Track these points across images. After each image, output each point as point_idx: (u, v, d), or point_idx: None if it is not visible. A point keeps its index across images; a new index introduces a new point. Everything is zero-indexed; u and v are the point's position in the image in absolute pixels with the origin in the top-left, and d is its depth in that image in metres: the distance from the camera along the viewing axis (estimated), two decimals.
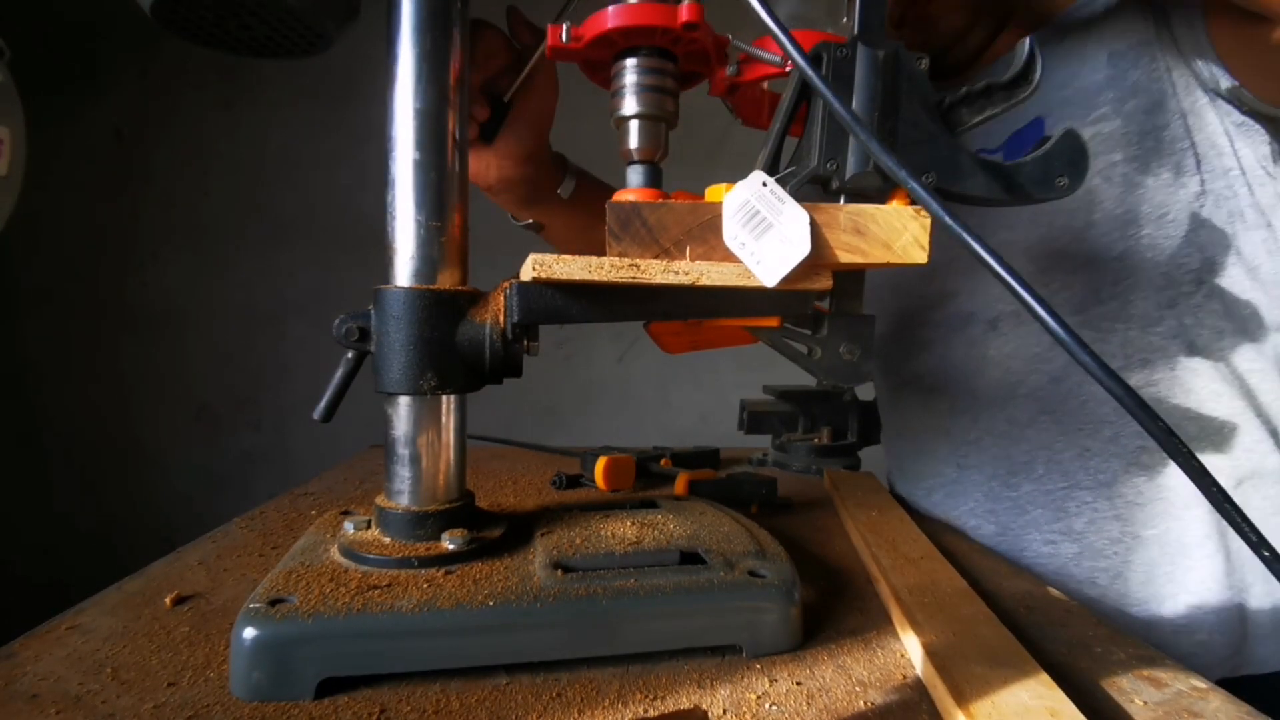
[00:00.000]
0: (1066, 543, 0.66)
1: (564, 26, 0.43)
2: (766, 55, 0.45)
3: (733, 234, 0.37)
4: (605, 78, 0.46)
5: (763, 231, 0.37)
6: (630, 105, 0.43)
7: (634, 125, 0.44)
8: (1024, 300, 0.31)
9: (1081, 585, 0.64)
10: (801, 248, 0.36)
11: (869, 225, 0.39)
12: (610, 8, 0.41)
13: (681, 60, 0.44)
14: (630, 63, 0.43)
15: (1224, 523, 0.59)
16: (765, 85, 0.48)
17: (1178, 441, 0.30)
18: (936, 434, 0.76)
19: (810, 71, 0.35)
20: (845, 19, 0.41)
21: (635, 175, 0.44)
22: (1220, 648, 0.60)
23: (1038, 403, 0.66)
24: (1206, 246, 0.60)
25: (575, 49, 0.43)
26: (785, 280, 0.37)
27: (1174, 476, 0.61)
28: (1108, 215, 0.61)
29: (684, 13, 0.40)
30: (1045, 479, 0.67)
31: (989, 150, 0.70)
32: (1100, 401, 0.63)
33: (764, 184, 0.38)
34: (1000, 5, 0.70)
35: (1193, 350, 0.61)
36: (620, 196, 0.43)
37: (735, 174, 0.39)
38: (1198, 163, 0.59)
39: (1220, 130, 0.59)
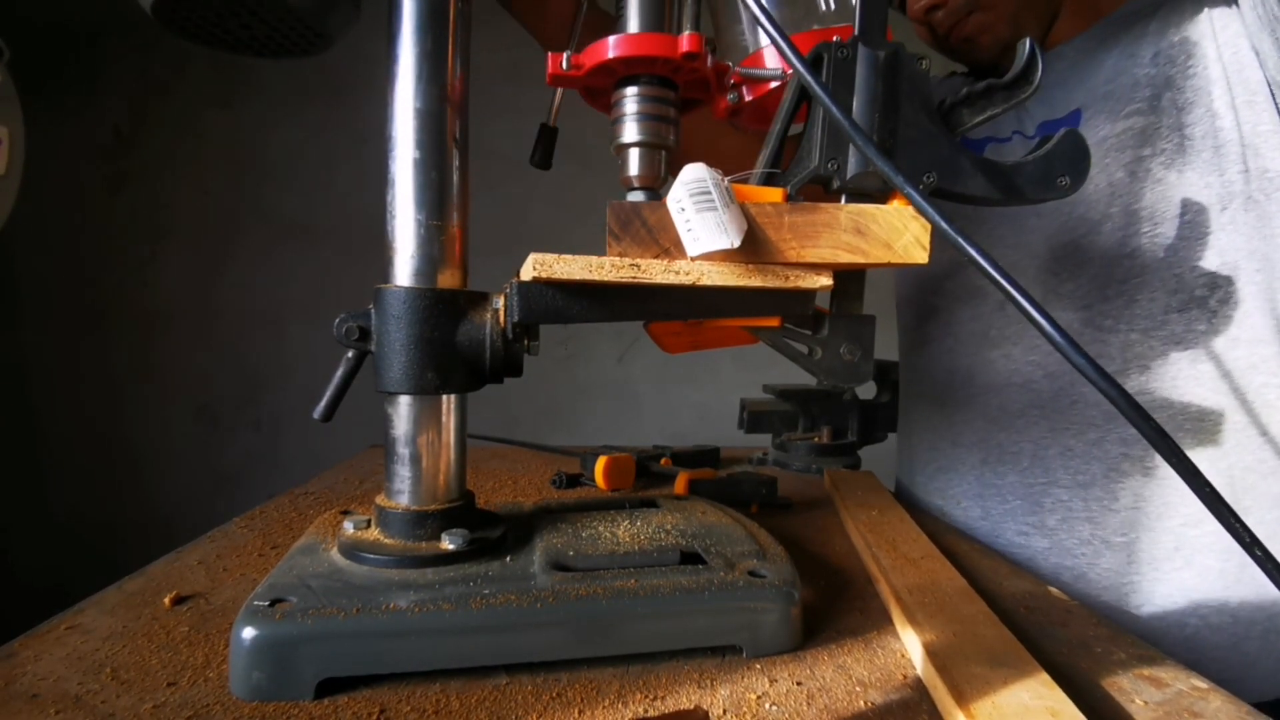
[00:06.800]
0: (1038, 536, 0.66)
1: (564, 54, 0.43)
2: (765, 73, 0.44)
3: (677, 198, 0.37)
4: (606, 104, 0.46)
5: (705, 209, 0.37)
6: (631, 133, 0.43)
7: (634, 153, 0.44)
8: (1021, 306, 0.31)
9: (1046, 581, 0.64)
10: (733, 241, 0.36)
11: (870, 225, 0.39)
12: (611, 37, 0.41)
13: (682, 88, 0.44)
14: (631, 91, 0.43)
15: (1193, 544, 0.59)
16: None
17: (1170, 443, 0.30)
18: (934, 406, 0.77)
19: (810, 78, 0.35)
20: (824, 7, 0.40)
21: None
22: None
23: (1029, 394, 0.66)
24: (1228, 251, 0.57)
25: (575, 76, 0.43)
26: (703, 258, 0.37)
27: (1150, 487, 0.60)
28: (1124, 210, 0.60)
29: (685, 43, 0.40)
30: (1028, 472, 0.67)
31: (1025, 135, 0.70)
32: (1089, 404, 0.63)
33: (726, 180, 0.38)
34: (1045, 6, 0.69)
35: (1199, 359, 0.58)
36: None
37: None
38: (1232, 162, 0.56)
39: (1270, 129, 0.55)
